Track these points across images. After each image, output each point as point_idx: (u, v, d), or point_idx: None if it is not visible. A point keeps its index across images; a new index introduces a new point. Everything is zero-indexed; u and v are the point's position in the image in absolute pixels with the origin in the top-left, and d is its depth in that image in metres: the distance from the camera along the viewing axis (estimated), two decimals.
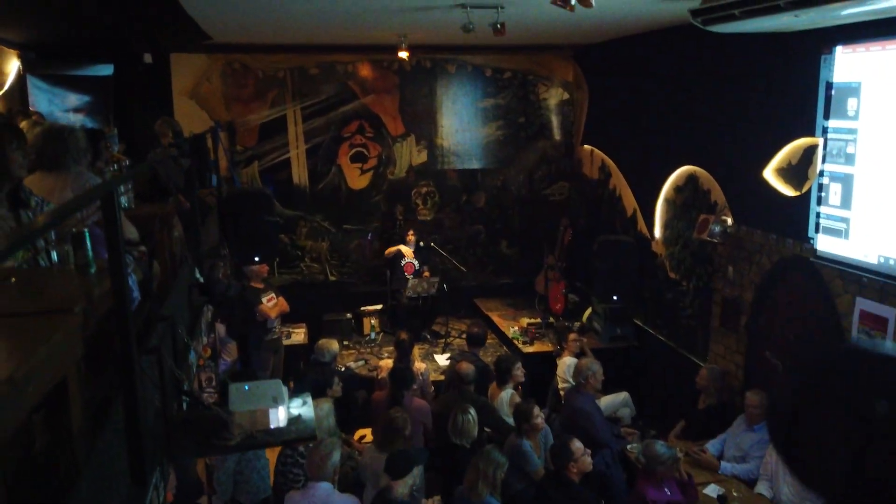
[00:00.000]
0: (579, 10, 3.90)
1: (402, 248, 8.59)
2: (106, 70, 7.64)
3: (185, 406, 3.26)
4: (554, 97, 9.57)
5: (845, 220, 4.69)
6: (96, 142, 4.41)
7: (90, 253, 2.58)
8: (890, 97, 4.34)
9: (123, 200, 4.25)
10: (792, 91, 5.22)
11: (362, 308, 8.49)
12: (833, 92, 4.79)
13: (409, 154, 9.33)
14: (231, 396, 2.99)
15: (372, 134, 9.15)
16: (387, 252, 8.69)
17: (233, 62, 8.59)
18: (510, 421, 5.49)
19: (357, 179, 9.21)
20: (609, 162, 8.53)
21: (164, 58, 8.22)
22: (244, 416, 2.89)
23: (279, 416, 2.94)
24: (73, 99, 7.39)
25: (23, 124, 4.19)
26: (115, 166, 5.69)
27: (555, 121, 9.64)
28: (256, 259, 6.72)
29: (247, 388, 3.07)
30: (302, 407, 3.13)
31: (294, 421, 3.02)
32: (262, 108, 8.77)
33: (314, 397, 3.62)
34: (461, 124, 9.40)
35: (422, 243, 8.71)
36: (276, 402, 2.95)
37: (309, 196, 9.07)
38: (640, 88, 7.64)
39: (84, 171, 3.51)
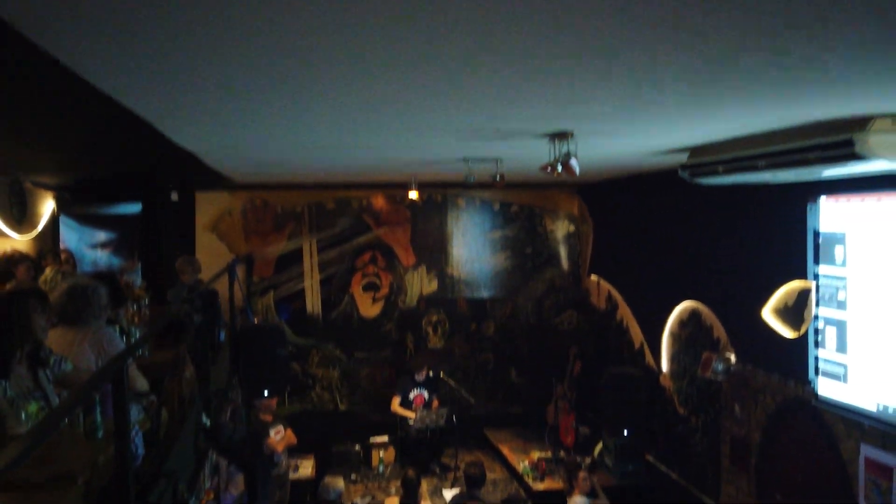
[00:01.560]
0: (588, 154, 4.19)
1: (409, 413, 8.39)
2: (134, 208, 8.11)
3: None
4: (560, 229, 9.90)
5: (843, 365, 4.75)
6: (118, 290, 4.64)
7: (98, 418, 2.74)
8: (873, 247, 4.52)
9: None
10: (784, 236, 5.43)
11: (371, 440, 8.44)
12: (820, 240, 4.98)
13: (420, 283, 9.58)
14: None
15: (384, 264, 9.46)
16: (393, 409, 8.50)
17: (254, 198, 9.08)
18: None
19: (369, 308, 9.43)
20: (615, 293, 8.69)
21: (190, 195, 8.72)
22: None
23: None
24: (101, 235, 7.81)
25: (48, 271, 4.48)
26: (136, 305, 5.95)
27: (562, 251, 9.92)
28: (266, 392, 6.83)
29: None
30: None
31: None
32: (280, 240, 9.16)
33: None
34: (471, 254, 9.71)
35: (431, 373, 8.76)
36: None
37: (322, 324, 9.27)
38: (641, 224, 7.92)
39: (103, 325, 3.73)
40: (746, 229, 5.89)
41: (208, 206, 8.94)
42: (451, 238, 9.66)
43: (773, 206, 5.52)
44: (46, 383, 2.93)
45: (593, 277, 9.41)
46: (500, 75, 2.52)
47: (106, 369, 2.51)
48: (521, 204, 9.78)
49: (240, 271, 8.30)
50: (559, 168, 3.81)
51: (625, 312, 8.40)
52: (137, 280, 7.39)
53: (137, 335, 4.32)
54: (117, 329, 4.40)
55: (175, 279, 6.74)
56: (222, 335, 5.64)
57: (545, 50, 2.13)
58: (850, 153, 3.53)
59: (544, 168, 3.94)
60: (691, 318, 6.81)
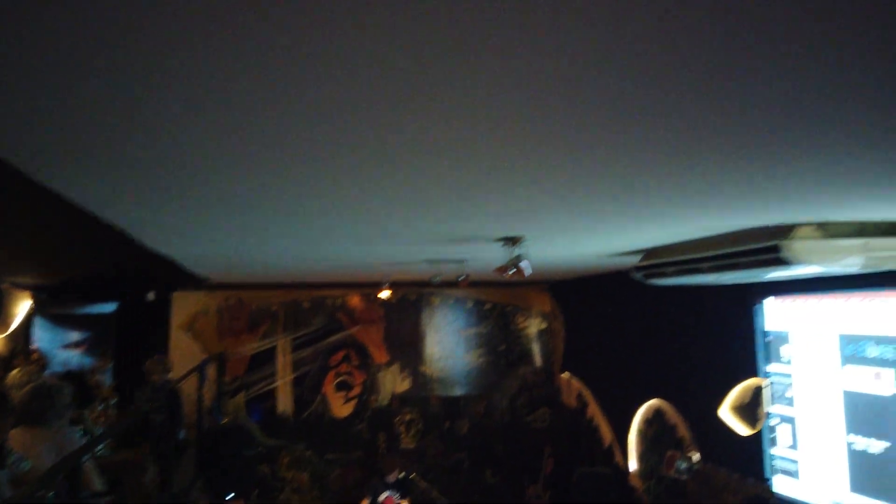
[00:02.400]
0: (542, 256, 4.44)
1: None
2: (110, 307, 8.21)
3: None
4: (533, 326, 10.08)
5: (795, 462, 4.85)
6: (86, 390, 4.71)
7: None
8: (811, 346, 4.75)
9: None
10: (737, 335, 5.65)
11: None
12: (768, 339, 5.21)
13: (393, 382, 9.61)
14: None
15: (357, 363, 9.52)
16: None
17: (230, 298, 9.22)
18: None
19: (341, 408, 9.40)
20: (585, 390, 8.78)
21: (166, 295, 8.85)
22: None
23: None
24: (75, 335, 7.86)
25: (14, 372, 4.53)
26: (102, 405, 5.97)
27: (535, 348, 10.06)
28: (232, 495, 6.72)
29: None
30: None
31: None
32: (254, 339, 9.23)
33: None
34: (444, 352, 9.81)
35: (402, 474, 8.65)
36: None
37: (293, 425, 9.20)
38: (607, 322, 8.13)
39: (65, 425, 3.79)
40: (703, 329, 6.11)
41: (184, 306, 9.05)
42: (424, 336, 9.78)
43: (725, 307, 5.77)
44: (4, 482, 2.98)
45: (565, 375, 9.51)
46: (457, 188, 2.77)
47: (57, 467, 2.59)
48: (494, 301, 10.00)
49: (212, 370, 8.33)
50: (512, 270, 4.04)
51: (595, 410, 8.46)
52: (108, 380, 7.40)
53: None
54: (81, 429, 4.44)
55: (145, 379, 6.77)
56: (182, 434, 5.64)
57: (498, 164, 2.38)
58: (777, 258, 3.81)
59: (498, 270, 4.17)
60: (656, 417, 6.91)
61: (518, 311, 10.07)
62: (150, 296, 8.35)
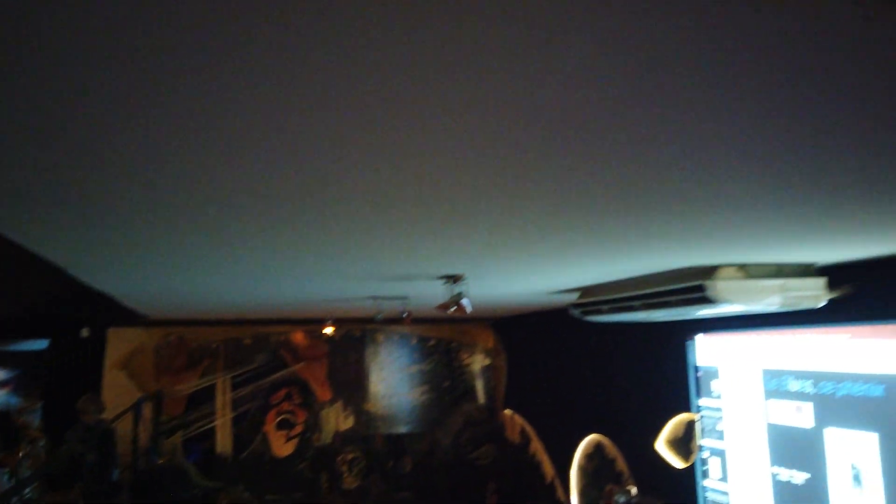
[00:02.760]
0: (483, 293, 4.53)
1: None
2: (40, 344, 7.93)
3: None
4: (477, 363, 10.17)
5: (726, 494, 5.03)
6: (12, 431, 4.55)
7: None
8: (738, 381, 4.97)
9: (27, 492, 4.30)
10: (670, 370, 5.85)
11: None
12: (699, 374, 5.42)
13: (336, 420, 9.51)
14: None
15: (300, 400, 9.39)
16: None
17: (169, 334, 9.02)
18: None
19: (282, 447, 9.22)
20: (528, 427, 8.87)
21: (101, 331, 8.60)
22: None
23: None
24: (1, 374, 7.54)
25: None
26: (29, 446, 5.75)
27: (478, 385, 10.13)
28: None
29: None
30: None
31: None
32: (193, 377, 9.02)
33: None
34: (388, 389, 9.78)
35: None
36: None
37: (231, 465, 8.97)
38: (548, 358, 8.29)
39: None
40: (639, 364, 6.31)
41: (120, 343, 8.79)
42: (368, 373, 9.74)
43: (660, 343, 5.98)
44: None
45: (507, 411, 9.60)
46: (398, 228, 2.86)
47: None
48: (438, 338, 10.06)
49: (148, 410, 8.10)
50: (453, 307, 4.14)
51: (537, 446, 8.55)
52: (35, 420, 7.11)
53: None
54: (7, 472, 4.28)
55: (77, 419, 6.54)
56: (116, 474, 5.47)
57: (439, 206, 2.45)
58: (702, 297, 4.01)
59: (440, 307, 4.26)
60: (596, 452, 7.04)
61: (462, 347, 10.15)
62: (85, 332, 8.10)
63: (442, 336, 10.06)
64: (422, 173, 2.00)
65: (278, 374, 9.34)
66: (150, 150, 1.72)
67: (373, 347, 9.82)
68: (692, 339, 5.53)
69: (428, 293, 5.24)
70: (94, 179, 2.01)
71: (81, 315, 7.81)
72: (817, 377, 4.35)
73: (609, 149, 1.75)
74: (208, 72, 1.25)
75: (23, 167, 1.87)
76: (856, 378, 4.07)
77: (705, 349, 5.41)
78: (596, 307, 5.27)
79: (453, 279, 4.19)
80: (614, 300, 5.01)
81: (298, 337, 9.50)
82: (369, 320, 9.35)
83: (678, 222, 2.79)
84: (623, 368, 6.59)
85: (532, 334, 8.88)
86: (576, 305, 5.60)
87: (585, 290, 5.58)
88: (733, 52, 1.20)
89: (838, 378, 4.21)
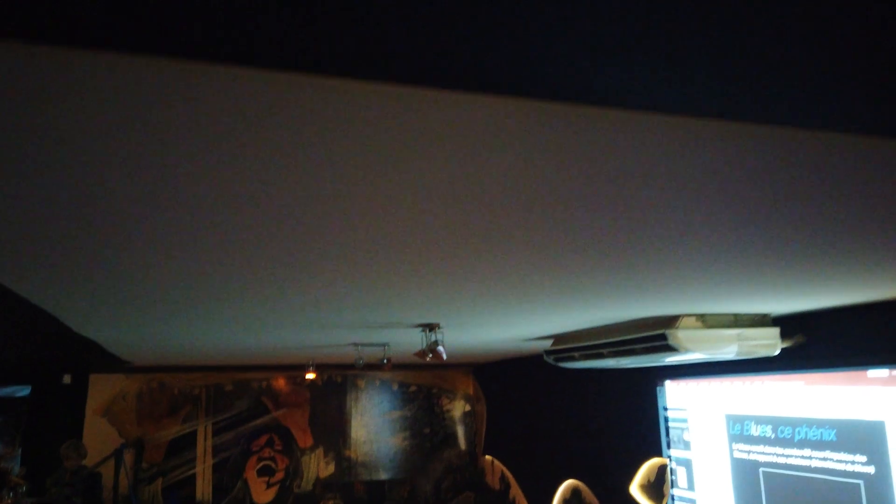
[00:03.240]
0: (459, 341, 4.71)
1: None
2: (20, 391, 7.97)
3: None
4: (457, 409, 10.28)
5: None
6: None
7: None
8: (705, 426, 5.18)
9: None
10: (642, 416, 6.05)
11: None
12: (669, 420, 5.62)
13: (317, 466, 9.54)
14: None
15: (281, 447, 9.43)
16: None
17: (151, 381, 9.08)
18: None
19: (262, 494, 9.22)
20: (507, 472, 8.96)
21: (83, 378, 8.65)
22: None
23: None
24: None
25: None
26: (11, 493, 5.79)
27: (459, 431, 10.22)
28: None
29: None
30: None
31: None
32: (174, 424, 9.05)
33: None
34: (369, 435, 9.84)
35: None
36: None
37: None
38: (526, 404, 8.44)
39: None
40: (614, 410, 6.50)
41: (102, 389, 8.83)
42: (349, 419, 9.81)
43: (632, 389, 6.19)
44: None
45: (488, 457, 9.68)
46: (376, 279, 3.05)
47: None
48: (419, 384, 10.17)
49: (128, 456, 8.12)
50: (429, 355, 4.34)
51: (517, 492, 8.63)
52: (16, 467, 7.12)
53: None
54: None
55: (59, 465, 6.58)
56: None
57: (415, 259, 2.61)
58: (665, 345, 4.25)
59: (417, 354, 4.46)
60: (574, 496, 7.15)
61: (443, 393, 10.27)
62: (67, 378, 8.15)
63: (423, 382, 10.19)
64: (397, 232, 2.21)
65: (259, 421, 9.39)
66: (137, 214, 1.90)
67: (354, 393, 9.92)
68: (663, 384, 5.74)
69: (407, 340, 5.43)
70: (83, 236, 2.15)
71: (64, 361, 7.88)
72: (776, 422, 4.57)
73: (576, 215, 1.98)
74: (185, 144, 1.48)
75: (11, 220, 1.97)
76: (811, 423, 4.30)
77: (674, 395, 5.63)
78: (568, 354, 5.48)
79: (430, 327, 4.39)
80: (584, 347, 5.23)
81: (280, 383, 9.59)
82: (350, 366, 9.49)
83: (642, 277, 3.04)
84: (598, 414, 6.77)
85: (511, 380, 9.05)
86: (549, 352, 5.81)
87: (558, 338, 5.80)
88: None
89: (795, 423, 4.43)
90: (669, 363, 5.19)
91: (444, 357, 4.32)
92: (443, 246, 2.42)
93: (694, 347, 4.22)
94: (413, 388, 10.14)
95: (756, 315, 4.38)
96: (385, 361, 5.88)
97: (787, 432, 4.48)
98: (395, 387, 10.09)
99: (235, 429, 9.27)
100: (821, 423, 4.21)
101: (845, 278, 3.19)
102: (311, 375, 8.00)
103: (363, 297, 3.55)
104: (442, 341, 4.36)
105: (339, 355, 7.30)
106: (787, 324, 4.41)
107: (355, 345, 5.78)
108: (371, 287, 3.29)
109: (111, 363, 7.79)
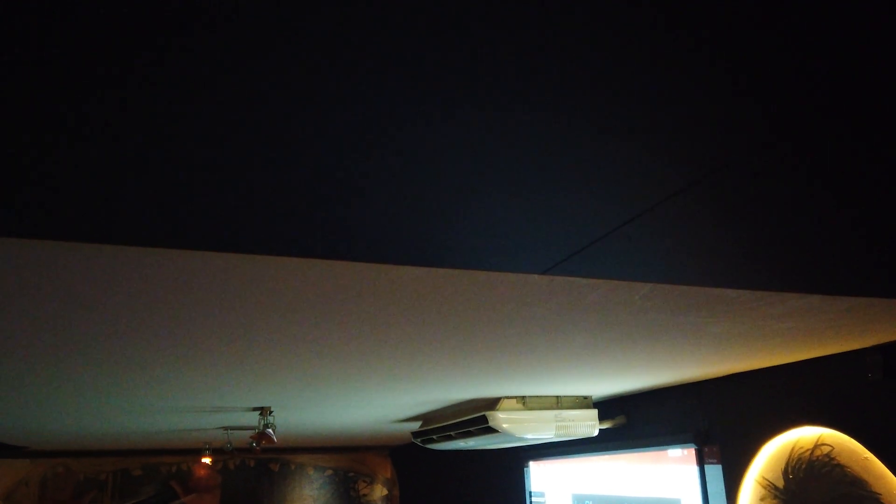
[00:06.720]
0: (299, 423, 4.72)
1: None
2: None
3: None
4: (376, 493, 10.15)
5: None
6: None
7: None
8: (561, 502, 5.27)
9: None
10: (512, 496, 6.11)
11: None
12: (533, 499, 5.70)
13: None
14: None
15: None
16: None
17: (56, 466, 8.94)
18: None
19: None
20: None
21: None
22: None
23: None
24: None
25: None
26: None
27: None
28: None
29: None
30: None
31: None
32: None
33: None
34: None
35: None
36: None
37: None
38: (431, 486, 8.41)
39: None
40: (488, 492, 6.55)
41: (4, 475, 8.68)
42: None
43: (502, 469, 6.28)
44: None
45: None
46: (203, 369, 3.16)
47: None
48: (335, 467, 10.08)
49: None
50: (262, 439, 4.44)
51: None
52: None
53: None
54: None
55: None
56: None
57: (240, 342, 2.66)
58: (487, 427, 4.40)
59: (252, 437, 4.56)
60: None
61: (360, 477, 10.17)
62: None
63: (340, 465, 10.10)
64: (215, 327, 2.33)
65: None
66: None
67: (267, 477, 9.79)
68: (528, 465, 5.84)
69: (252, 423, 5.47)
70: None
71: None
72: (608, 501, 4.68)
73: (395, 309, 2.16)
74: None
75: None
76: (629, 501, 4.42)
77: (537, 474, 5.72)
78: (429, 436, 5.59)
79: (263, 411, 4.52)
80: (438, 429, 5.35)
81: (192, 467, 9.47)
82: (266, 449, 9.42)
83: (464, 362, 3.19)
84: (476, 498, 6.80)
85: (419, 463, 9.03)
86: (416, 434, 5.91)
87: (426, 419, 5.91)
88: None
89: (622, 502, 4.55)
90: (514, 445, 5.32)
91: (275, 440, 4.42)
92: (262, 335, 2.47)
93: (513, 430, 4.37)
94: (329, 472, 10.04)
95: (577, 397, 4.56)
96: (254, 445, 5.92)
97: None
98: (311, 471, 9.99)
99: None
100: (636, 502, 4.33)
101: (650, 364, 3.40)
102: (206, 460, 7.94)
103: (198, 382, 3.62)
104: (272, 424, 4.47)
105: (213, 439, 7.25)
106: (610, 406, 4.59)
107: (224, 428, 5.84)
108: (198, 376, 3.33)
109: (9, 449, 7.72)
